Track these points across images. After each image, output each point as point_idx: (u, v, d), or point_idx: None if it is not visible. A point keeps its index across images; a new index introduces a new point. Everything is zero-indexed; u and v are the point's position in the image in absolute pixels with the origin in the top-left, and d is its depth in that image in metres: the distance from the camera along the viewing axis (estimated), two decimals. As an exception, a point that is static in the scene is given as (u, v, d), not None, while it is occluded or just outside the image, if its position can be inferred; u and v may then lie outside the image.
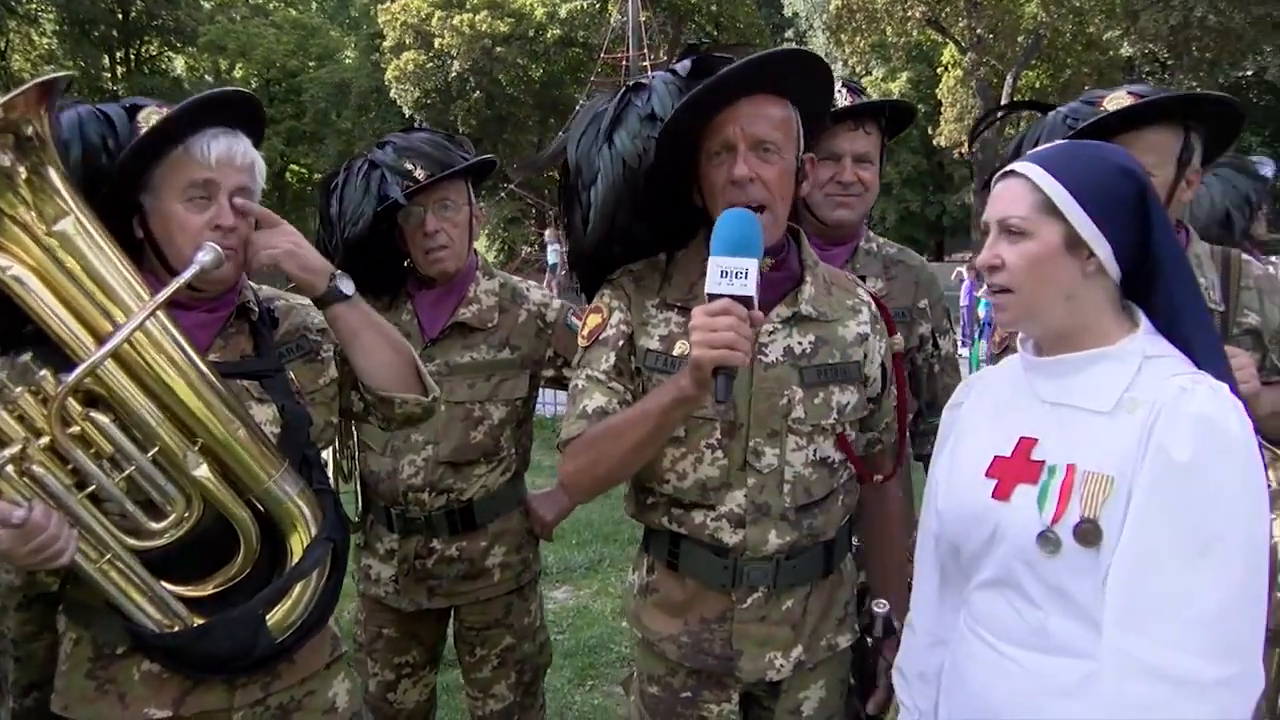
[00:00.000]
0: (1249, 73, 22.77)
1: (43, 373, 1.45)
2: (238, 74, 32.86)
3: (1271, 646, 1.89)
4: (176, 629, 1.54)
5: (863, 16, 24.08)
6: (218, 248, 1.53)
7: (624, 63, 24.52)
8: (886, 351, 1.83)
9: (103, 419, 1.49)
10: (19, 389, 1.44)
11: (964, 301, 16.08)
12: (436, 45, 27.77)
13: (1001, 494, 1.40)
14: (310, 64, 33.11)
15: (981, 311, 14.62)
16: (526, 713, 2.53)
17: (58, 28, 31.85)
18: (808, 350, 1.72)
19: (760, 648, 1.74)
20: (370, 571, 2.44)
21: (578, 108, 1.81)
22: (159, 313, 1.47)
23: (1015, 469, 1.41)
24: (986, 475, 1.44)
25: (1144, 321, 1.39)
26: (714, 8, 29.14)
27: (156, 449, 1.51)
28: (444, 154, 2.31)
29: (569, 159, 1.77)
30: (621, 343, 1.73)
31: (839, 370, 1.73)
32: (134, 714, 1.57)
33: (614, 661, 4.06)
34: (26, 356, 1.52)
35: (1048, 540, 1.33)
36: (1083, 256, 1.36)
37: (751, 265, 1.42)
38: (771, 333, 1.70)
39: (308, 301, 1.76)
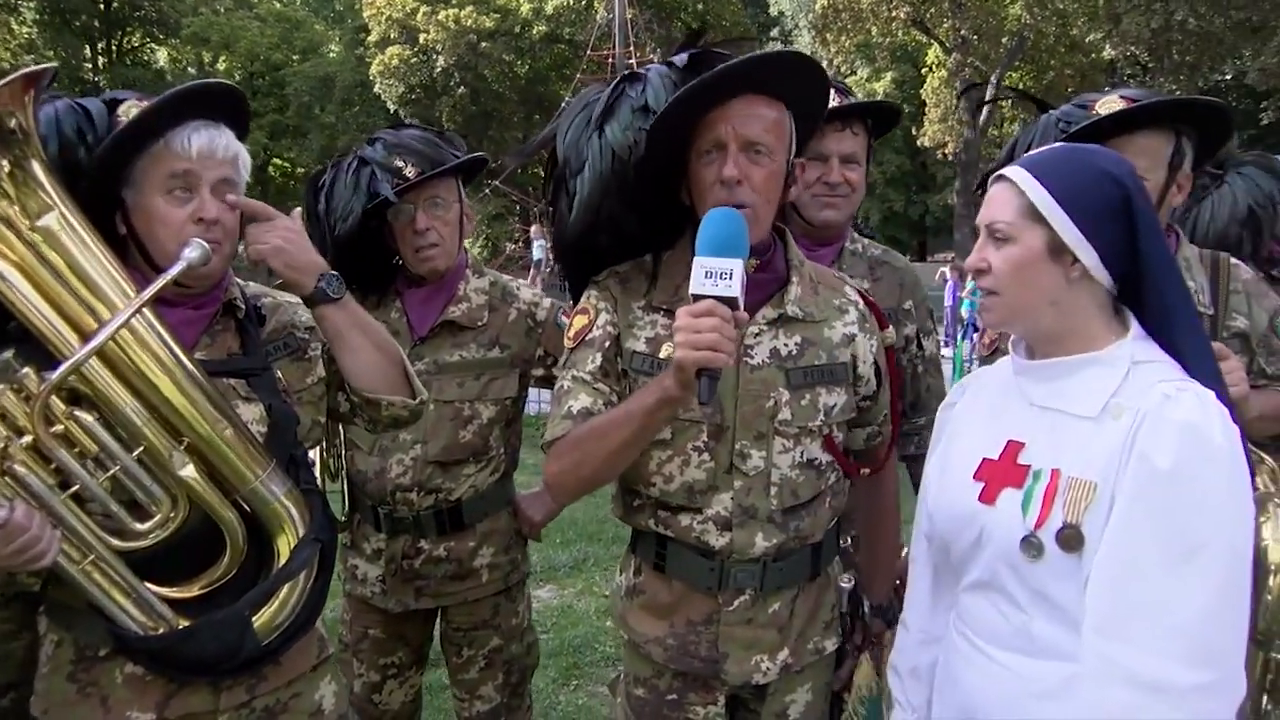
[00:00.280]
0: (1228, 76, 23.00)
1: (25, 370, 1.42)
2: (221, 67, 32.63)
3: (1257, 650, 1.90)
4: (161, 631, 1.52)
5: (848, 16, 24.16)
6: (204, 244, 1.51)
7: (610, 60, 24.46)
8: (879, 348, 1.82)
9: (87, 418, 1.46)
10: (1, 387, 1.41)
11: (948, 302, 16.17)
12: (421, 40, 27.66)
13: (988, 497, 1.41)
14: (294, 57, 32.94)
15: (965, 312, 14.70)
16: (513, 714, 2.52)
17: (38, 17, 31.51)
18: (794, 352, 1.71)
19: (746, 650, 1.74)
20: (357, 571, 2.42)
21: (564, 104, 1.80)
22: (144, 309, 1.45)
23: (1002, 472, 1.42)
24: (975, 478, 1.45)
25: (1135, 326, 1.40)
26: (700, 6, 29.12)
27: (142, 448, 1.49)
28: (435, 151, 2.29)
29: (558, 147, 1.76)
30: (608, 344, 1.72)
31: (826, 371, 1.72)
32: (116, 717, 1.55)
33: (598, 661, 4.06)
34: (9, 354, 1.48)
35: (1031, 545, 1.34)
36: (1066, 263, 1.36)
37: (736, 266, 1.41)
38: (757, 334, 1.70)
39: (296, 299, 1.74)
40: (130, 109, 1.58)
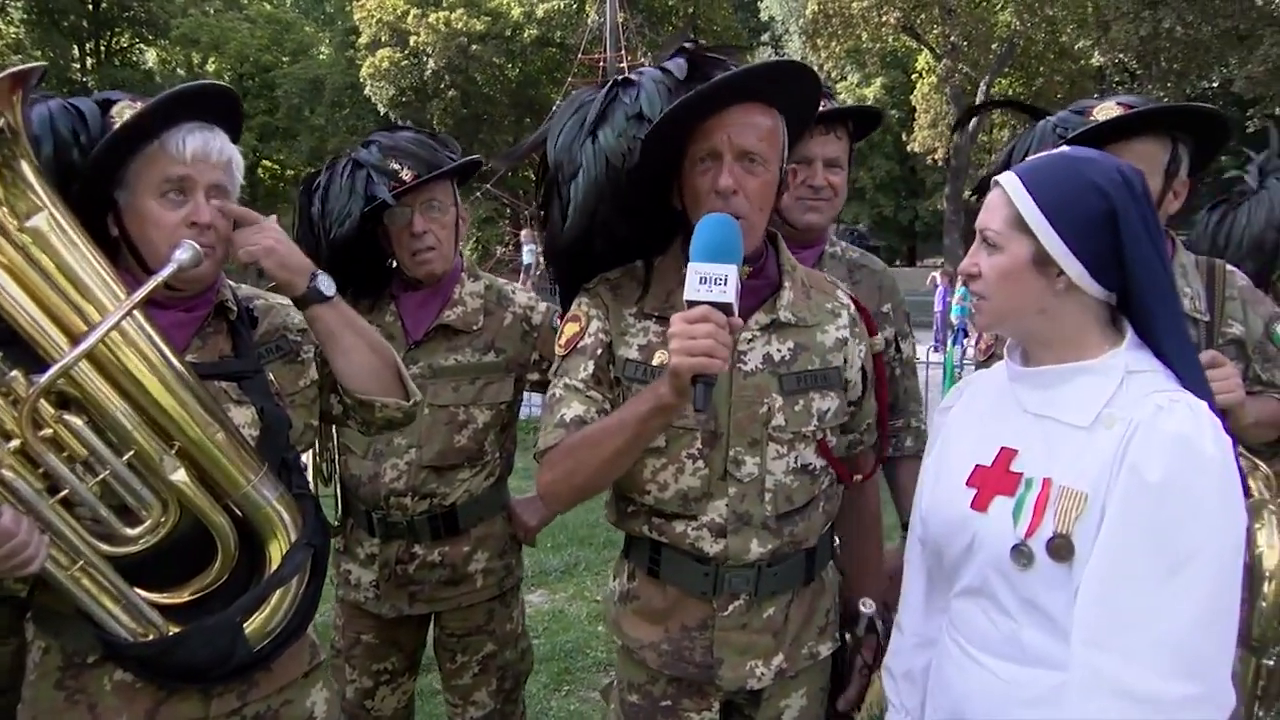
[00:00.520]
0: (1215, 84, 23.13)
1: (14, 373, 1.41)
2: (210, 68, 32.52)
3: (1251, 656, 1.90)
4: (151, 637, 1.50)
5: (839, 22, 24.18)
6: (196, 245, 1.50)
7: (601, 64, 24.50)
8: (867, 353, 1.82)
9: (76, 421, 1.44)
10: (-11, 390, 1.39)
11: (938, 306, 16.22)
12: (412, 43, 27.63)
13: (980, 504, 1.42)
14: (284, 59, 32.83)
15: (955, 317, 14.75)
16: (507, 720, 2.50)
17: (25, 17, 31.32)
18: (787, 357, 1.71)
19: (741, 656, 1.73)
20: (350, 576, 2.40)
21: (555, 108, 1.79)
22: (135, 312, 1.43)
23: (994, 479, 1.42)
24: (967, 484, 1.45)
25: (1130, 335, 1.39)
26: (691, 10, 29.18)
27: (132, 452, 1.47)
28: (431, 154, 2.27)
29: (549, 151, 1.74)
30: (600, 351, 1.72)
31: (819, 376, 1.72)
32: None
33: (590, 666, 4.04)
34: (-3, 356, 1.47)
35: (1021, 554, 1.34)
36: (1052, 274, 1.36)
37: (731, 271, 1.41)
38: (750, 340, 1.69)
39: (288, 301, 1.73)
40: (124, 110, 1.57)
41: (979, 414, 1.54)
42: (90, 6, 31.93)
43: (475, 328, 2.35)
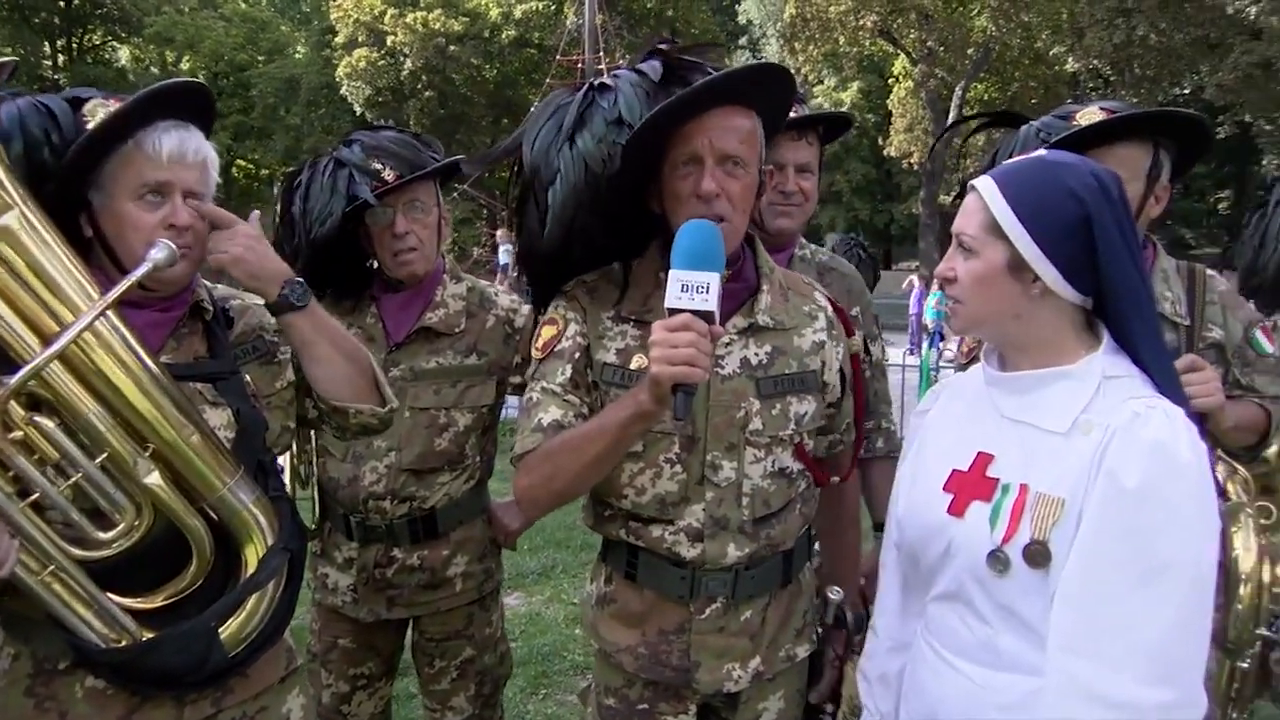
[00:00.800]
0: (1187, 91, 23.42)
1: (-17, 375, 1.37)
2: (185, 66, 32.17)
3: (1225, 658, 1.92)
4: (124, 643, 1.47)
5: (816, 25, 24.31)
6: (172, 245, 1.48)
7: (579, 65, 24.46)
8: (845, 355, 1.82)
9: (48, 423, 1.42)
10: (-44, 392, 1.36)
11: (913, 309, 16.31)
12: (389, 43, 27.49)
13: (956, 510, 1.42)
14: (259, 58, 32.58)
15: (930, 321, 14.85)
16: (485, 725, 2.48)
17: (-5, 12, 30.92)
18: (764, 361, 1.70)
19: (718, 659, 1.73)
20: (327, 580, 2.37)
21: (532, 109, 1.77)
22: (109, 312, 1.41)
23: (971, 485, 1.42)
24: (944, 489, 1.45)
25: (1106, 340, 1.40)
26: (670, 13, 29.22)
27: (105, 455, 1.44)
28: (414, 154, 2.25)
29: (525, 154, 1.73)
30: (578, 355, 1.70)
31: (796, 380, 1.72)
32: None
33: (567, 670, 4.02)
34: (-36, 358, 1.44)
35: (998, 560, 1.34)
36: (1027, 279, 1.37)
37: (713, 280, 1.40)
38: (728, 344, 1.69)
39: (261, 300, 1.71)
40: (96, 109, 1.54)
41: (956, 418, 1.54)
42: (62, 3, 31.53)
43: (457, 330, 2.34)
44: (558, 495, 1.64)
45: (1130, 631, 1.23)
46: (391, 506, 2.28)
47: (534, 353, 1.76)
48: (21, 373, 1.34)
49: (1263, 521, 1.89)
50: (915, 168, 26.71)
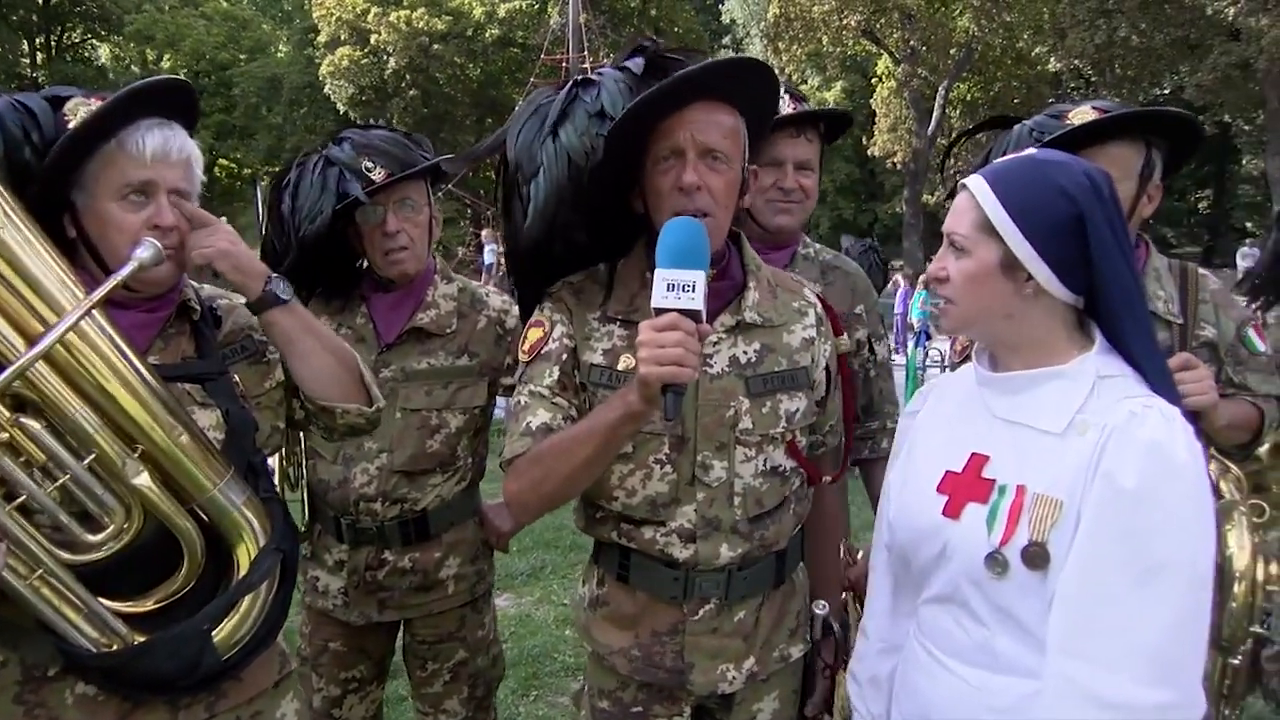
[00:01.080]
0: (1167, 91, 23.64)
1: (-33, 377, 1.35)
2: (166, 65, 31.98)
3: (1219, 656, 1.92)
4: (115, 647, 1.45)
5: (800, 25, 24.41)
6: (157, 244, 1.46)
7: (563, 64, 24.44)
8: (832, 353, 1.81)
9: (34, 425, 1.39)
10: (-60, 394, 1.34)
11: (898, 309, 16.36)
12: (372, 41, 27.41)
13: (951, 512, 1.40)
14: (241, 57, 32.43)
15: (915, 320, 14.91)
16: (478, 728, 2.46)
17: (-28, 11, 30.61)
18: (753, 359, 1.69)
19: (712, 660, 1.72)
20: (318, 583, 2.35)
21: (516, 108, 1.76)
22: (95, 312, 1.39)
23: (966, 486, 1.41)
24: (938, 490, 1.44)
25: (1099, 340, 1.39)
26: (654, 12, 29.25)
27: (93, 456, 1.42)
28: (405, 152, 2.24)
29: (509, 151, 1.71)
30: (565, 357, 1.69)
31: (786, 377, 1.71)
32: None
33: (558, 671, 4.01)
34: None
35: (996, 562, 1.33)
36: (1020, 279, 1.36)
37: (699, 278, 1.38)
38: (716, 343, 1.67)
39: None
40: (78, 108, 1.52)
41: (947, 418, 1.53)
42: (40, 1, 31.25)
43: (448, 331, 2.32)
44: (548, 499, 1.62)
45: (1128, 632, 1.23)
46: (383, 508, 2.26)
47: (520, 356, 1.74)
48: (6, 373, 1.32)
49: (1256, 520, 1.89)
50: (899, 167, 26.84)
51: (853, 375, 2.46)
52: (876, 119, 26.87)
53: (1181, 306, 2.01)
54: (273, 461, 2.17)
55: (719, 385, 1.66)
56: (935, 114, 24.91)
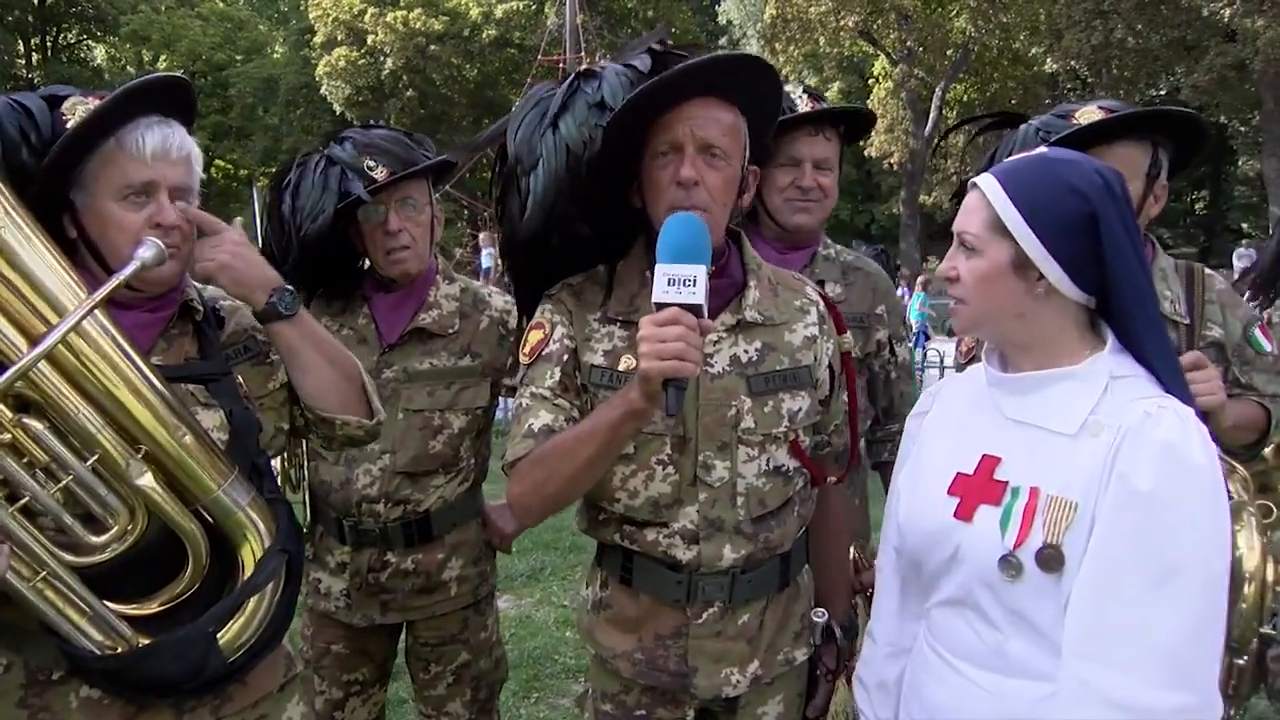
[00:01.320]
0: (1163, 92, 23.69)
1: (-31, 377, 1.34)
2: (161, 66, 31.84)
3: (1227, 656, 1.91)
4: (120, 650, 1.44)
5: (797, 26, 24.40)
6: (159, 243, 1.45)
7: (560, 65, 24.41)
8: (835, 352, 1.80)
9: (36, 425, 1.38)
10: (-58, 395, 1.33)
11: (895, 309, 16.33)
12: (369, 42, 27.37)
13: (964, 514, 1.39)
14: (237, 58, 32.37)
15: (914, 321, 14.92)
16: (482, 730, 2.45)
17: (-33, 11, 30.53)
18: (754, 358, 1.68)
19: (716, 664, 1.70)
20: (320, 585, 2.34)
21: (517, 103, 1.76)
22: (97, 312, 1.38)
23: (978, 488, 1.40)
24: (949, 493, 1.43)
25: (1111, 340, 1.38)
26: (650, 13, 29.24)
27: (96, 457, 1.41)
28: (406, 151, 2.23)
29: (508, 143, 1.70)
30: (565, 358, 1.68)
31: (788, 376, 1.70)
32: None
33: (559, 673, 4.00)
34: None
35: (1010, 565, 1.32)
36: (1032, 278, 1.35)
37: (700, 272, 1.38)
38: (716, 342, 1.66)
39: None
40: (76, 107, 1.51)
41: (956, 420, 1.52)
42: (36, 1, 31.19)
43: (451, 331, 2.31)
44: (551, 501, 1.61)
45: (1145, 635, 1.22)
46: (385, 510, 2.25)
47: (521, 358, 1.73)
48: (8, 374, 1.31)
49: (1264, 520, 1.89)
50: (895, 168, 26.85)
51: (873, 377, 2.46)
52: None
53: (1188, 307, 2.00)
54: (275, 463, 2.15)
55: (720, 385, 1.65)
56: (932, 115, 24.92)
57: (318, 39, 28.45)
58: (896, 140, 25.83)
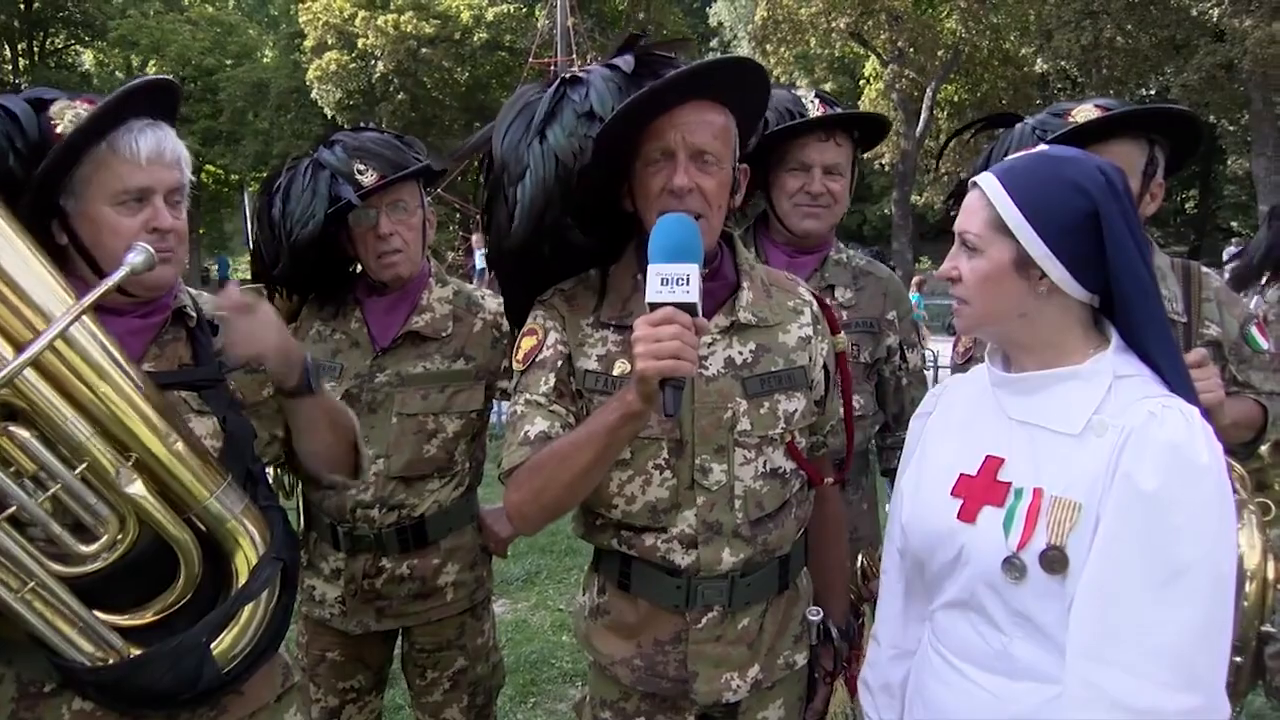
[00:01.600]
0: (1153, 91, 23.81)
1: (-46, 386, 1.32)
2: (151, 71, 31.73)
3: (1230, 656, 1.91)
4: (112, 662, 1.42)
5: (788, 27, 24.45)
6: (150, 248, 1.43)
7: (552, 68, 24.40)
8: (829, 352, 1.79)
9: (23, 434, 1.37)
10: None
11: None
12: (360, 46, 27.32)
13: (967, 516, 1.38)
14: (227, 62, 32.23)
15: (909, 320, 14.91)
16: (479, 736, 2.43)
17: (-47, 16, 30.40)
18: (749, 359, 1.67)
19: (716, 669, 1.69)
20: (314, 592, 2.31)
21: (500, 113, 1.74)
22: (85, 318, 1.37)
23: (981, 489, 1.39)
24: (952, 494, 1.42)
25: (1115, 339, 1.37)
26: (641, 15, 29.27)
27: (85, 465, 1.40)
28: (396, 154, 2.21)
29: (494, 150, 1.69)
30: (560, 363, 1.67)
31: (783, 377, 1.69)
32: None
33: (556, 677, 3.98)
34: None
35: (1013, 566, 1.31)
36: (1034, 277, 1.34)
37: (693, 271, 1.37)
38: (710, 344, 1.65)
39: None
40: (64, 111, 1.50)
41: (959, 420, 1.51)
42: (22, 6, 31.06)
43: (444, 334, 2.29)
44: (549, 508, 1.59)
45: (1151, 636, 1.21)
46: (380, 515, 2.23)
47: (515, 365, 1.72)
48: (-6, 382, 1.29)
49: (1264, 518, 1.88)
50: (887, 169, 26.89)
51: (883, 383, 2.45)
52: (864, 121, 26.88)
53: (1185, 305, 2.00)
54: (268, 469, 2.14)
55: (715, 387, 1.64)
56: (923, 115, 24.99)
57: (308, 43, 28.39)
58: (888, 141, 25.80)
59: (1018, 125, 2.06)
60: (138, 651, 1.44)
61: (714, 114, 1.60)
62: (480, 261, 18.59)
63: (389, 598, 2.27)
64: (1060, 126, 1.92)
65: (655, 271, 1.38)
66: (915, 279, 15.72)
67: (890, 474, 2.45)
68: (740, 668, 1.70)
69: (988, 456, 1.40)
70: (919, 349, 2.52)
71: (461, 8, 28.08)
